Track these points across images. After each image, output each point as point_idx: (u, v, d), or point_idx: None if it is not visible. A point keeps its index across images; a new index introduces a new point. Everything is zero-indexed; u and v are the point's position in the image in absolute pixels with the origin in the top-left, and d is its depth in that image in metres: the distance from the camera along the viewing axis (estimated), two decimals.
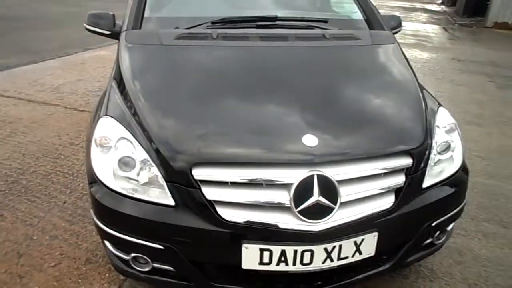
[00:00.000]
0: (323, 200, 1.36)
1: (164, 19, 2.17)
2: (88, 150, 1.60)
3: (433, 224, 1.61)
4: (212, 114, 1.56)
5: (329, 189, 1.37)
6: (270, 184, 1.38)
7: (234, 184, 1.38)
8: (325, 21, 2.21)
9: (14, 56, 5.80)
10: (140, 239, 1.44)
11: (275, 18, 2.11)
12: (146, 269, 1.52)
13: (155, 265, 1.50)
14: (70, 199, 2.45)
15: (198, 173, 1.37)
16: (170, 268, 1.49)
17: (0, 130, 3.36)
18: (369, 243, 1.46)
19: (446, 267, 2.02)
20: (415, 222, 1.57)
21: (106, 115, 1.63)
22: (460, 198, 1.70)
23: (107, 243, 1.58)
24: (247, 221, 1.37)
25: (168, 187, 1.41)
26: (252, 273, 1.46)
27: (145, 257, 1.49)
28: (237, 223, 1.37)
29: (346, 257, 1.45)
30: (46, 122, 3.58)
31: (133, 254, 1.51)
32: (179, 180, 1.39)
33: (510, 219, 2.44)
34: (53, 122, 3.58)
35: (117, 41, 2.22)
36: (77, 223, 2.23)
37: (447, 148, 1.69)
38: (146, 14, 2.12)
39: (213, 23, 2.06)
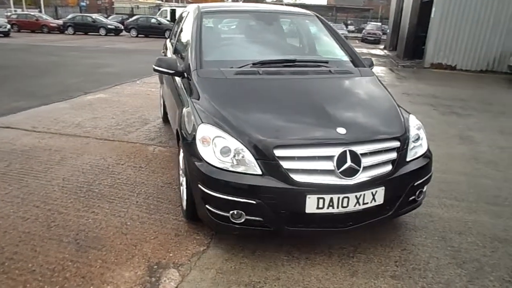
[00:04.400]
0: (353, 165, 2.26)
1: (218, 61, 3.06)
2: (192, 145, 2.41)
3: (415, 185, 2.54)
4: (277, 116, 2.47)
5: (356, 158, 2.27)
6: (321, 157, 2.26)
7: (300, 158, 2.25)
8: (326, 62, 3.22)
9: (23, 100, 6.42)
10: (239, 198, 2.24)
11: (294, 61, 3.10)
12: (241, 221, 2.30)
13: (248, 217, 2.28)
14: (140, 199, 3.16)
15: (278, 152, 2.23)
16: (259, 218, 2.28)
17: (52, 156, 4.00)
18: (380, 194, 2.35)
19: (423, 224, 2.94)
20: (404, 182, 2.49)
21: (203, 122, 2.45)
22: (428, 169, 2.65)
23: (208, 207, 2.35)
24: (309, 181, 2.22)
25: (257, 162, 2.24)
26: (311, 217, 2.29)
27: (241, 211, 2.27)
28: (303, 182, 2.22)
29: (367, 203, 2.32)
30: (86, 149, 4.25)
31: (231, 211, 2.29)
32: (265, 157, 2.23)
33: (461, 196, 3.44)
34: (92, 149, 4.26)
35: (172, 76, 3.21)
36: (155, 214, 2.94)
37: (418, 138, 2.67)
38: (204, 58, 3.00)
39: (254, 64, 2.99)
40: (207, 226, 2.69)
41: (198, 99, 2.69)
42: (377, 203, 2.37)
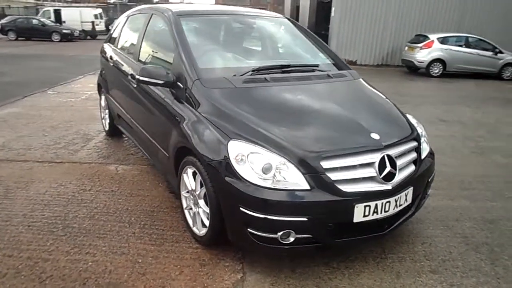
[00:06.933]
0: (392, 169, 2.27)
1: (215, 69, 2.80)
2: (224, 165, 2.18)
3: (429, 180, 2.68)
4: (310, 126, 2.36)
5: (392, 162, 2.29)
6: (362, 164, 2.22)
7: (343, 168, 2.18)
8: (317, 65, 3.20)
9: None
10: (290, 217, 2.09)
11: (288, 66, 3.01)
12: (290, 241, 2.14)
13: (298, 235, 2.14)
14: (136, 230, 2.75)
15: (325, 164, 2.13)
16: (308, 235, 2.15)
17: None
18: (410, 194, 2.42)
19: (423, 216, 3.11)
20: (424, 179, 2.60)
21: (232, 139, 2.22)
22: (434, 166, 2.81)
23: (251, 230, 2.14)
24: (355, 190, 2.17)
25: (304, 177, 2.11)
26: (357, 226, 2.24)
27: (291, 230, 2.12)
28: (350, 192, 2.16)
29: (401, 204, 2.37)
30: (34, 176, 3.58)
31: (280, 232, 2.11)
32: (313, 171, 2.11)
33: (436, 185, 3.62)
34: (41, 176, 3.60)
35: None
36: (163, 245, 2.58)
37: (422, 136, 2.81)
38: (200, 66, 2.72)
39: (253, 71, 2.82)
40: (235, 249, 2.48)
41: (210, 112, 2.44)
42: (408, 203, 2.43)
